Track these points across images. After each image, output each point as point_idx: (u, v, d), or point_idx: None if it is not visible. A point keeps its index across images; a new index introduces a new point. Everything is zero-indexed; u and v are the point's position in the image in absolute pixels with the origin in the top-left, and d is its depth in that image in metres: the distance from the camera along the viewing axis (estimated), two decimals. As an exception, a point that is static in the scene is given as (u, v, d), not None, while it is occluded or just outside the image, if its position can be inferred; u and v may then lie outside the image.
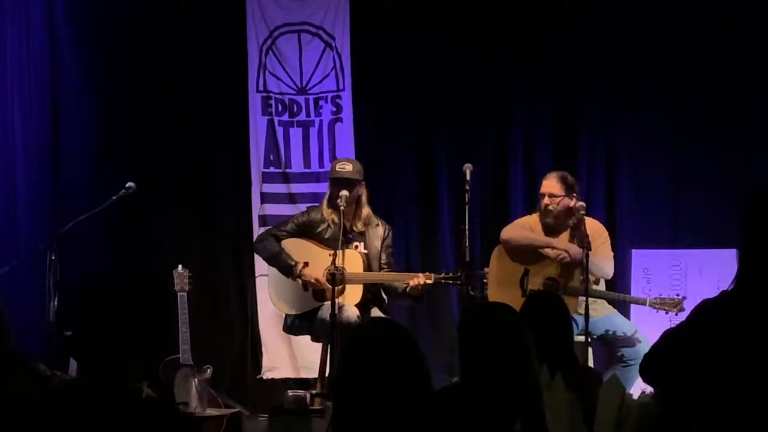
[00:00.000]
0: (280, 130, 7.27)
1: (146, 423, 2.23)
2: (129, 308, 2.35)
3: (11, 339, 3.07)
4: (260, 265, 6.81)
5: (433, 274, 6.00)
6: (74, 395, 2.24)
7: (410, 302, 6.27)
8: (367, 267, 6.13)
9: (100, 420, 2.21)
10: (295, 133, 7.28)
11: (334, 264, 5.81)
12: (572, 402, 2.41)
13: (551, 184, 6.09)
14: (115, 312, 2.34)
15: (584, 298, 5.72)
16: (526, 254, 6.11)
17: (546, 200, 6.08)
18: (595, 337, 5.91)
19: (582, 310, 5.68)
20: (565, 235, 6.13)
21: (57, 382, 2.36)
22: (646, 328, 5.94)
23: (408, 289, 5.95)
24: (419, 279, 5.92)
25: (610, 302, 6.15)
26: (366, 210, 6.22)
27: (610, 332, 5.98)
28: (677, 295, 6.01)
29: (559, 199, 6.06)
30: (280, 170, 7.27)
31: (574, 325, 5.07)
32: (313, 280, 6.06)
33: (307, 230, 6.21)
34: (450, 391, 3.17)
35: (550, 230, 6.15)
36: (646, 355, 2.62)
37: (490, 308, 3.66)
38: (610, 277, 6.19)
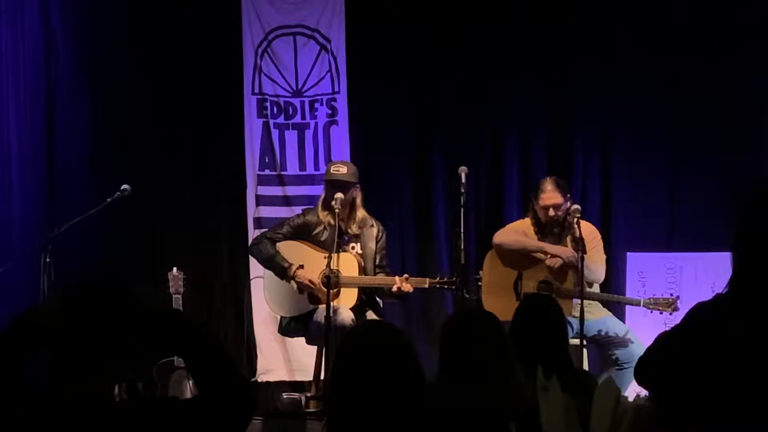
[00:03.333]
0: (275, 133, 7.27)
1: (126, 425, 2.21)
2: (103, 313, 2.29)
3: None
4: (255, 267, 6.81)
5: (428, 279, 6.02)
6: (52, 403, 2.22)
7: (393, 300, 6.30)
8: (362, 268, 6.13)
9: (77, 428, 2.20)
10: (291, 136, 7.28)
11: (329, 267, 5.81)
12: (568, 403, 2.42)
13: (552, 196, 6.07)
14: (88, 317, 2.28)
15: (578, 301, 5.73)
16: (519, 258, 6.12)
17: (551, 212, 6.07)
18: (587, 338, 5.91)
19: (576, 313, 5.69)
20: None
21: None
22: (641, 330, 5.95)
23: (394, 289, 5.98)
24: (407, 287, 5.94)
25: (605, 304, 6.16)
26: (361, 213, 6.22)
27: (603, 333, 5.99)
28: (671, 295, 6.01)
29: (563, 206, 6.08)
30: (276, 173, 7.26)
31: (569, 328, 5.07)
32: (307, 282, 6.05)
33: (302, 233, 6.21)
34: (433, 393, 3.18)
35: (545, 235, 6.15)
36: (640, 359, 2.62)
37: (473, 315, 3.71)
38: (601, 281, 6.19)
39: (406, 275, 6.04)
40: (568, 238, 6.08)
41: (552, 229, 6.12)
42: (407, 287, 5.95)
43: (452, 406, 2.96)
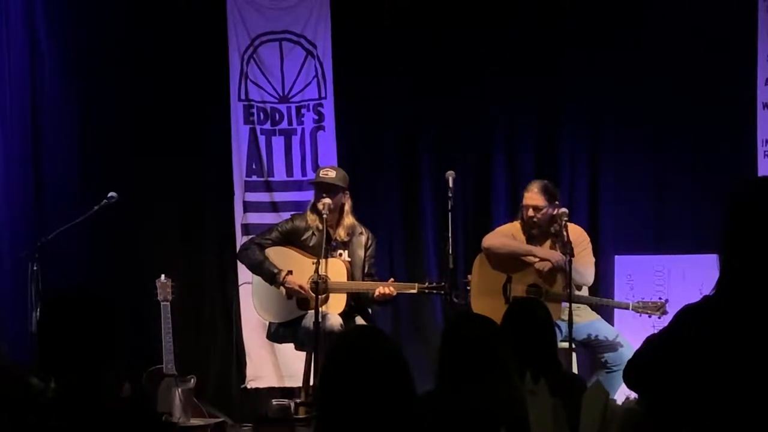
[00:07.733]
0: (262, 139, 7.26)
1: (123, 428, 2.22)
2: (95, 317, 2.33)
3: (3, 350, 3.07)
4: (244, 273, 6.80)
5: (416, 284, 6.00)
6: (53, 406, 2.23)
7: (377, 307, 6.27)
8: (351, 275, 6.12)
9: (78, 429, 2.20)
10: (278, 142, 7.27)
11: (317, 272, 5.80)
12: (556, 407, 2.42)
13: (534, 197, 6.08)
14: (81, 321, 2.33)
15: (567, 304, 5.73)
16: (508, 262, 6.12)
17: (530, 213, 6.08)
18: (576, 342, 5.91)
19: (565, 316, 5.69)
20: (547, 243, 6.14)
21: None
22: (630, 333, 5.95)
23: (375, 295, 5.96)
24: (388, 289, 5.92)
25: (594, 308, 6.17)
26: (349, 219, 6.20)
27: (592, 336, 5.99)
28: (660, 298, 6.02)
29: (543, 210, 6.07)
30: (263, 179, 7.25)
31: (558, 332, 5.07)
32: (297, 287, 6.04)
33: (291, 238, 6.20)
34: (433, 397, 3.18)
35: (533, 239, 6.16)
36: (629, 361, 2.63)
37: (474, 319, 3.69)
38: (590, 284, 6.19)
39: (392, 279, 6.03)
40: (550, 242, 6.10)
41: (531, 230, 6.12)
42: (389, 290, 5.93)
43: (449, 410, 2.95)
